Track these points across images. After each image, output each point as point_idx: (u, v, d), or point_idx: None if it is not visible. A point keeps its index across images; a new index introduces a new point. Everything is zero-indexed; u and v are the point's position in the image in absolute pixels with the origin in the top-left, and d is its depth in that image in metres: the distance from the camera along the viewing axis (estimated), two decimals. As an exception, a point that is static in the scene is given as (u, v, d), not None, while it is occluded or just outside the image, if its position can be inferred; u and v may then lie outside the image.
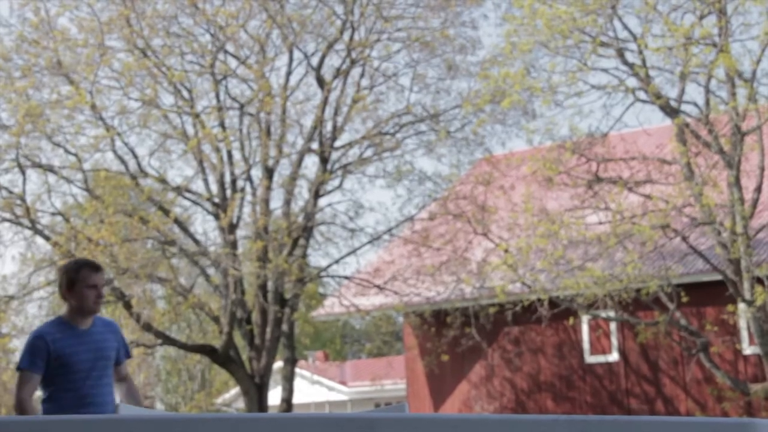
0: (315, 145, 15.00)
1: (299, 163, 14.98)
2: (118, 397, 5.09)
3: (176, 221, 14.90)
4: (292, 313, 15.04)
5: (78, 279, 4.79)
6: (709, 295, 14.20)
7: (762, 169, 12.53)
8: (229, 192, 14.85)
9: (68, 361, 4.75)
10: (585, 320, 15.48)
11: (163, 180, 14.95)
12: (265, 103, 14.36)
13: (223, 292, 14.87)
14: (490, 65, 14.35)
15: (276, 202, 15.40)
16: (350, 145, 15.23)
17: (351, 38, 14.76)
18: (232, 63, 15.05)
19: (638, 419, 1.20)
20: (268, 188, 14.85)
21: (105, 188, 14.61)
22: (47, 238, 14.41)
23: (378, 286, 15.37)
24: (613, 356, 15.57)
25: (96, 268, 4.90)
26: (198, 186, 15.32)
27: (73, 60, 14.29)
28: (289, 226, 14.62)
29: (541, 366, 16.07)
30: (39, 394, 4.92)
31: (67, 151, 14.47)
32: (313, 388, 27.30)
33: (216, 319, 15.23)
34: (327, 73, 15.10)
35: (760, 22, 12.49)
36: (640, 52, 12.69)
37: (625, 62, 12.78)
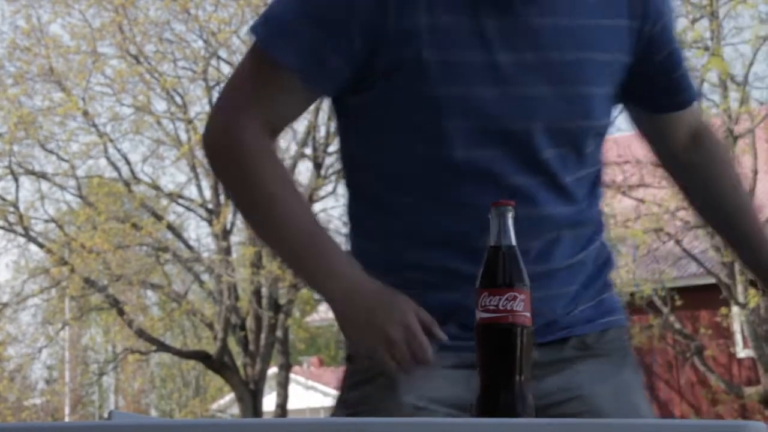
0: (308, 151, 14.99)
1: (293, 168, 14.96)
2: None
3: (169, 227, 14.87)
4: (287, 319, 15.01)
5: None
6: (703, 298, 14.20)
7: (754, 173, 12.55)
8: (222, 198, 14.83)
9: (428, 88, 1.49)
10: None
11: (156, 186, 14.93)
12: (258, 109, 14.34)
13: (217, 298, 14.85)
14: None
15: (270, 208, 15.36)
16: (343, 150, 15.21)
17: (343, 43, 14.76)
18: (225, 69, 15.03)
19: (632, 422, 1.20)
20: (262, 194, 14.84)
21: (98, 195, 14.58)
22: (41, 246, 14.37)
23: (372, 291, 15.36)
24: (608, 360, 15.56)
25: None
26: (191, 192, 15.35)
27: (65, 67, 14.27)
28: (283, 231, 14.61)
29: (536, 370, 16.07)
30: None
31: (60, 158, 14.45)
32: (308, 394, 27.27)
33: (210, 326, 15.20)
34: (320, 78, 15.09)
35: (752, 25, 12.53)
36: (633, 56, 12.71)
37: (618, 66, 12.79)
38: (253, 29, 1.57)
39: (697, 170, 1.82)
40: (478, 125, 1.51)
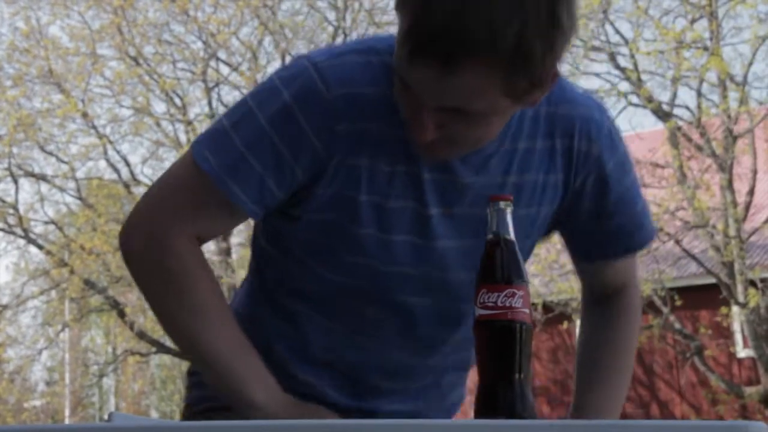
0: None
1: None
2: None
3: (169, 229, 14.87)
4: (287, 320, 15.01)
5: (397, 66, 1.49)
6: (703, 298, 14.21)
7: (754, 172, 12.56)
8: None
9: (355, 227, 1.50)
10: (579, 324, 15.48)
11: (155, 188, 14.93)
12: (258, 110, 14.33)
13: (216, 300, 14.83)
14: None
15: (269, 209, 15.37)
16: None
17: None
18: (224, 70, 15.04)
19: (633, 423, 1.19)
20: (261, 195, 14.83)
21: (98, 196, 14.59)
22: (40, 247, 14.38)
23: (372, 292, 15.36)
24: (608, 360, 15.55)
25: (431, 57, 1.40)
26: (191, 193, 15.29)
27: (64, 68, 14.27)
28: (283, 232, 14.61)
29: (536, 371, 16.06)
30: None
31: (59, 160, 14.46)
32: (308, 395, 27.23)
33: (210, 327, 15.18)
34: (319, 79, 15.07)
35: (751, 25, 12.53)
36: (632, 56, 12.71)
37: (617, 66, 12.80)
38: (200, 152, 1.47)
39: (589, 328, 1.80)
40: (398, 271, 1.52)
